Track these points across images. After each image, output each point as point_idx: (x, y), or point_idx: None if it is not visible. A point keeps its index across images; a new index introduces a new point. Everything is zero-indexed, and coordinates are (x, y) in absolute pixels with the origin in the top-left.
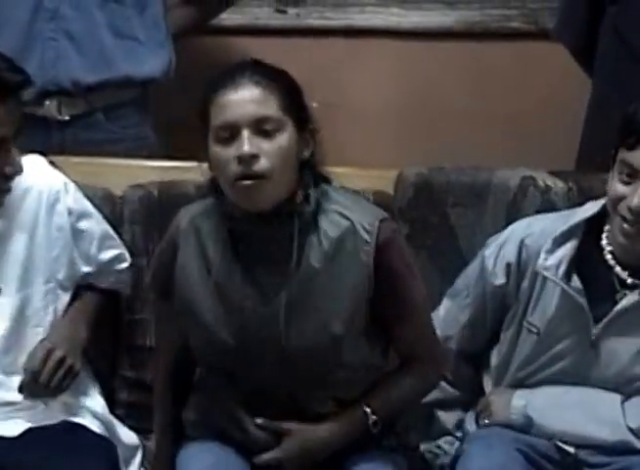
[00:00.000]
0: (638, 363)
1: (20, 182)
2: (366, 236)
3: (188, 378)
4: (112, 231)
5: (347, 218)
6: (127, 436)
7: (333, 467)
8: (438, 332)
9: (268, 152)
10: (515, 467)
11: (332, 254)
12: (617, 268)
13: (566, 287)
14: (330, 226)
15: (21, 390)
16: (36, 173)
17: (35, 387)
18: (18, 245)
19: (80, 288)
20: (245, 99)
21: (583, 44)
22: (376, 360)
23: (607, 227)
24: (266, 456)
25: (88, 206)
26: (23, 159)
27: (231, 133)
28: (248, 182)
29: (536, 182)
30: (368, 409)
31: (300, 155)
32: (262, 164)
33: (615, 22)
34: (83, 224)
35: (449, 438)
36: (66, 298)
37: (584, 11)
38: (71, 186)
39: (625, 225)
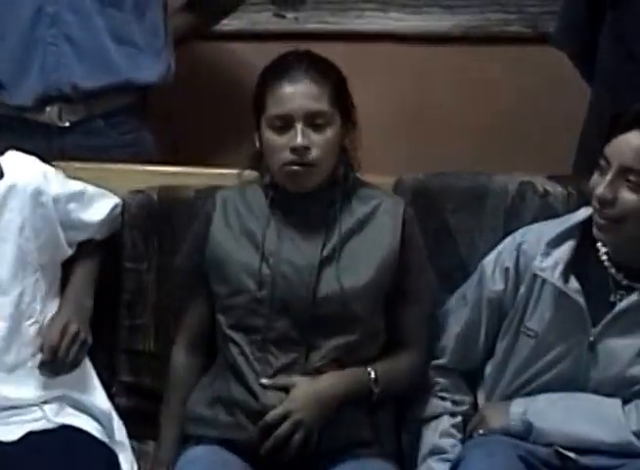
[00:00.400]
0: (637, 364)
1: (3, 182)
2: (394, 211)
3: (202, 363)
4: (97, 189)
5: (377, 198)
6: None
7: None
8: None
9: (318, 144)
10: None
11: (364, 221)
12: (612, 270)
13: (563, 287)
14: (362, 202)
15: (40, 367)
16: (16, 171)
17: (54, 363)
18: (9, 244)
19: (79, 249)
20: (301, 93)
21: (583, 51)
22: (379, 336)
23: None
24: (276, 411)
25: (73, 184)
26: (1, 158)
27: (285, 123)
28: (297, 168)
29: (535, 187)
30: (369, 369)
31: (343, 142)
32: (312, 155)
33: (614, 27)
34: (73, 205)
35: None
36: (55, 276)
37: (584, 17)
38: (51, 173)
39: (596, 217)
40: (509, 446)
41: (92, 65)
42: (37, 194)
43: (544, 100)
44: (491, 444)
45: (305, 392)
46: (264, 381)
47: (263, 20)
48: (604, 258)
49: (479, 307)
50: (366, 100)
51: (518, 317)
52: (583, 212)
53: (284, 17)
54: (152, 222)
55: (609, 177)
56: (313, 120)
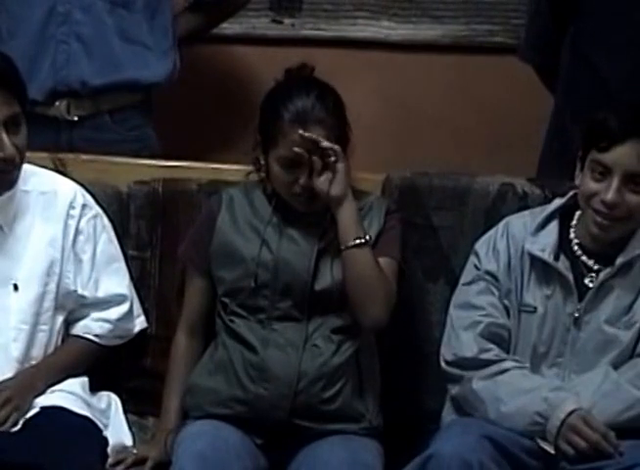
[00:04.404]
0: (618, 331)
1: (49, 184)
2: (379, 209)
3: (202, 346)
4: (121, 268)
5: (366, 200)
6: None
7: (305, 448)
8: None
9: None
10: (482, 453)
11: None
12: (584, 257)
13: (554, 264)
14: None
15: None
16: (63, 181)
17: None
18: (41, 243)
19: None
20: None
21: (548, 64)
22: None
23: (574, 222)
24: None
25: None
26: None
27: (293, 163)
28: (305, 196)
29: (515, 189)
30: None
31: None
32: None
33: (575, 40)
34: (88, 247)
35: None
36: (60, 318)
37: (548, 32)
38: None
39: (599, 218)
40: (481, 428)
41: (101, 62)
42: (82, 213)
43: (526, 107)
44: (458, 425)
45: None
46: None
47: (262, 25)
48: (575, 248)
49: (484, 281)
50: (357, 103)
51: (516, 298)
52: (557, 202)
53: (281, 22)
54: (156, 213)
55: (615, 184)
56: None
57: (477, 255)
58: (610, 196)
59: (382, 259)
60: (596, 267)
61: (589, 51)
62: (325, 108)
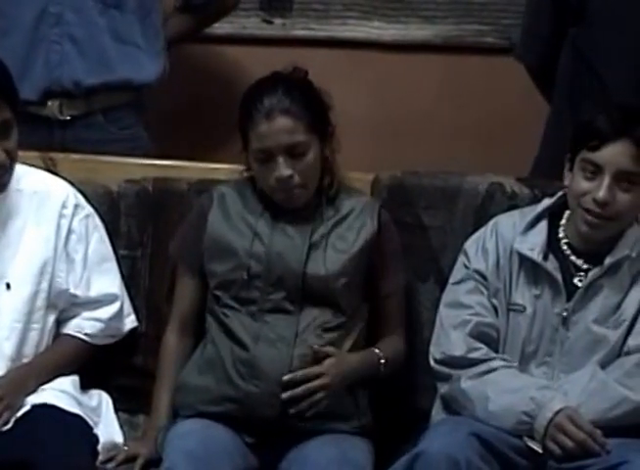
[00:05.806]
0: (605, 330)
1: (42, 184)
2: (371, 210)
3: (192, 343)
4: (112, 267)
5: (356, 198)
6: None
7: (296, 447)
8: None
9: (301, 170)
10: (470, 451)
11: (346, 217)
12: (573, 257)
13: (543, 264)
14: (344, 202)
15: None
16: (55, 181)
17: None
18: (34, 242)
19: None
20: (278, 129)
21: (543, 65)
22: (360, 318)
23: (563, 222)
24: (314, 370)
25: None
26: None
27: (267, 156)
28: (286, 192)
29: (504, 188)
30: (377, 351)
31: (323, 156)
32: (297, 180)
33: (576, 43)
34: (80, 247)
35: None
36: (52, 316)
37: (547, 32)
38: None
39: (589, 217)
40: (468, 426)
41: (93, 63)
42: (74, 212)
43: (515, 107)
44: (449, 423)
45: (340, 363)
46: (315, 347)
47: (252, 25)
48: (564, 247)
49: (473, 280)
50: (348, 103)
51: (505, 297)
52: (547, 202)
53: (272, 22)
54: (146, 212)
55: (607, 182)
56: (292, 151)
57: (466, 254)
58: (601, 194)
59: (394, 293)
60: (585, 267)
61: (590, 55)
62: (291, 98)
